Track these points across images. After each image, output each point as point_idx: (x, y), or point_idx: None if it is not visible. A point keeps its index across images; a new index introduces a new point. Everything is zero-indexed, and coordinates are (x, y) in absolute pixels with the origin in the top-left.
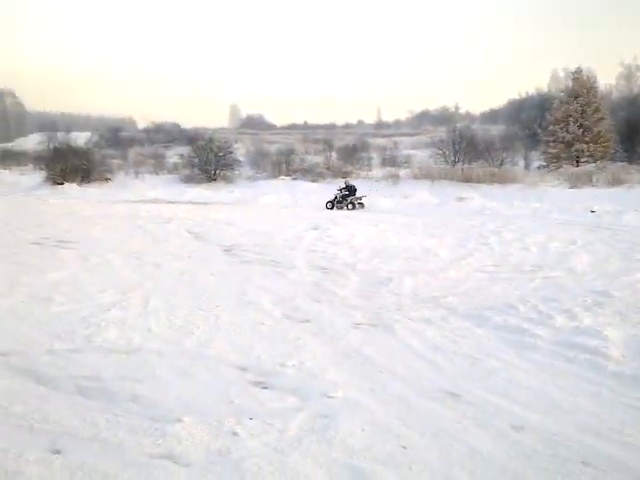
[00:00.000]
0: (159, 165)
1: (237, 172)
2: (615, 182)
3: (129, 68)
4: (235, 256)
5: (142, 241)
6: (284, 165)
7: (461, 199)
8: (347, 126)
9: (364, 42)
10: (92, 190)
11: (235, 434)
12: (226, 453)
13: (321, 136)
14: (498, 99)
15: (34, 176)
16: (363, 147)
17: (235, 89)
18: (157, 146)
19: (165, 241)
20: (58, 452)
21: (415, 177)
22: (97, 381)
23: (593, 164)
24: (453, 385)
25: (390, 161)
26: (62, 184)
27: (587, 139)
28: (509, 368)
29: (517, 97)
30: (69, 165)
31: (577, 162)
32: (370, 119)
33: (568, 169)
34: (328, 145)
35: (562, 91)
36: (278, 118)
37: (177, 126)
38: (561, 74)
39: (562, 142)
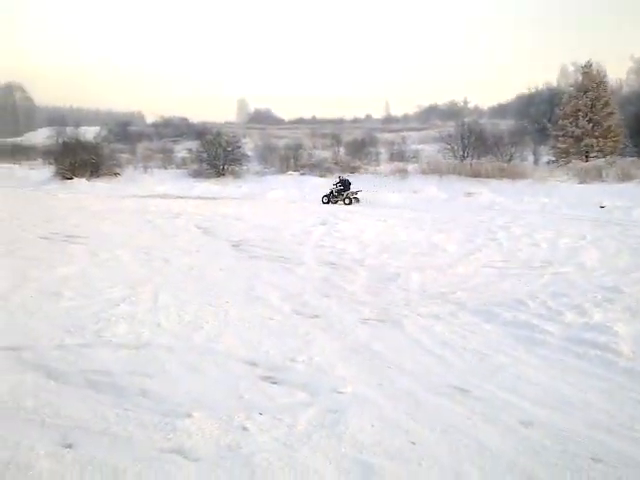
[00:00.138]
0: (167, 160)
1: (245, 167)
2: (625, 177)
3: (138, 63)
4: (243, 251)
5: (151, 236)
6: (292, 160)
7: (469, 194)
8: (355, 121)
9: (372, 37)
10: (101, 185)
11: (245, 429)
12: (236, 448)
13: (329, 131)
14: (507, 94)
15: (43, 170)
16: (371, 142)
17: (243, 84)
18: (165, 140)
19: (174, 236)
20: (69, 446)
21: (423, 172)
22: (107, 376)
23: (603, 159)
24: (462, 380)
25: (398, 156)
26: (71, 179)
27: (597, 134)
28: (518, 364)
29: (526, 92)
30: (78, 160)
31: (586, 157)
32: (378, 114)
33: (577, 164)
34: (336, 140)
35: (572, 85)
36: (286, 113)
37: (185, 120)
38: (570, 68)
39: (571, 137)
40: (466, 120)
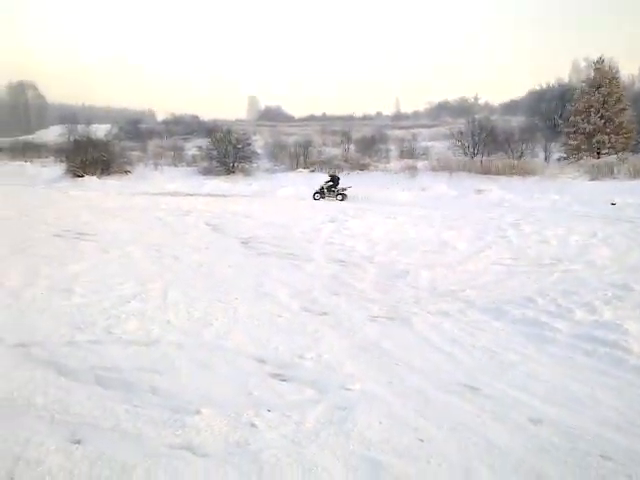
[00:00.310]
0: (178, 157)
1: (255, 164)
2: (637, 174)
3: (150, 60)
4: (253, 248)
5: (161, 233)
6: (302, 157)
7: (480, 191)
8: (365, 118)
9: (383, 33)
10: (112, 182)
11: (253, 426)
12: (244, 444)
13: (339, 128)
14: (518, 90)
15: (55, 168)
16: (381, 139)
17: (254, 81)
18: (176, 138)
19: (184, 233)
20: (78, 442)
21: (433, 169)
22: (117, 372)
23: (614, 156)
24: (471, 378)
25: (408, 153)
26: (82, 176)
27: (608, 130)
28: (528, 361)
29: (537, 88)
30: (89, 157)
31: (598, 154)
32: (388, 110)
33: (589, 161)
34: (346, 137)
35: (583, 81)
36: (296, 110)
37: (196, 118)
38: (582, 64)
39: (583, 133)
40: (477, 117)
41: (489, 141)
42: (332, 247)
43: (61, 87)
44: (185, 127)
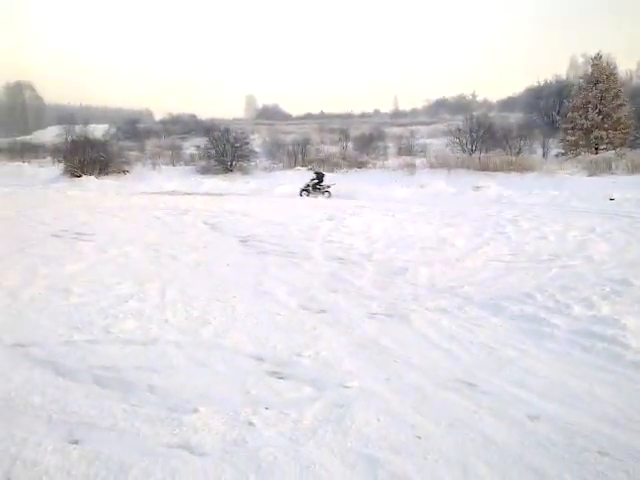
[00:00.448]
0: (176, 156)
1: (253, 163)
2: (635, 169)
3: (147, 60)
4: (251, 247)
5: (159, 233)
6: (300, 155)
7: (478, 188)
8: (363, 115)
9: (381, 30)
10: (110, 182)
11: (251, 424)
12: (242, 443)
13: (337, 126)
14: (516, 87)
15: (52, 168)
16: (379, 136)
17: (251, 80)
18: (174, 137)
19: (182, 232)
20: (76, 442)
21: (431, 166)
22: (115, 372)
23: (612, 151)
24: (469, 374)
25: (406, 150)
26: (80, 176)
27: (606, 126)
28: (526, 357)
29: (535, 84)
30: (87, 157)
31: (596, 149)
32: (387, 108)
33: (587, 156)
34: (344, 135)
35: (581, 77)
36: (294, 108)
37: (194, 117)
38: (580, 60)
39: (581, 129)
40: (475, 113)
41: (487, 138)
42: (330, 245)
43: (58, 87)
44: (183, 126)
